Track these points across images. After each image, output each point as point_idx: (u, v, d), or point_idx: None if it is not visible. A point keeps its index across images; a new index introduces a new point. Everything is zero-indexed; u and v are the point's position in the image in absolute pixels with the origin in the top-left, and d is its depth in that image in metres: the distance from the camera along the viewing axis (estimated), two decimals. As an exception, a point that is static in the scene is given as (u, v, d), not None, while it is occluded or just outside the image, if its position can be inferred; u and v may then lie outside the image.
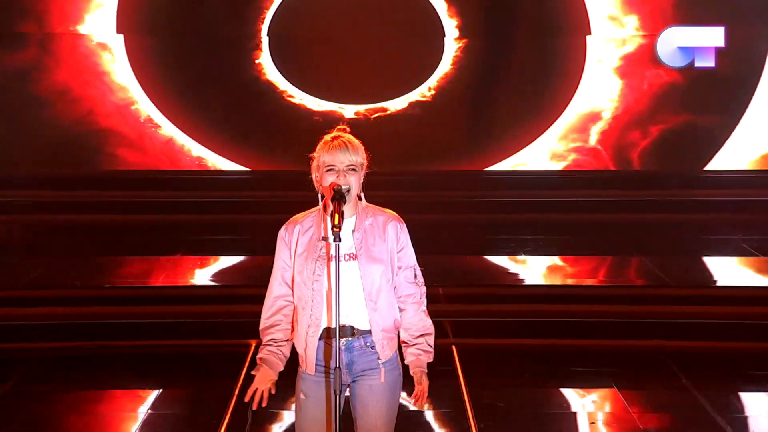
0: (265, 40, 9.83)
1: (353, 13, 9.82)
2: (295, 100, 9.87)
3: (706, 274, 8.43)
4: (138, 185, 9.83)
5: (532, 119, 9.91)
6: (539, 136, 9.92)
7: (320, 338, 3.54)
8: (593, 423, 5.67)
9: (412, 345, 3.64)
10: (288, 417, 5.49)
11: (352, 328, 3.52)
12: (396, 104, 9.91)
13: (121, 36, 9.76)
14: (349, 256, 3.52)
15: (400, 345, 3.69)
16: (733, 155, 9.91)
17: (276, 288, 3.63)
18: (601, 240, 9.19)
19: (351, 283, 3.49)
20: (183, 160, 9.92)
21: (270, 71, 9.86)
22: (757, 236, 9.16)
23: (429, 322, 3.69)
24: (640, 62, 9.84)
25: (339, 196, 3.45)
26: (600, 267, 8.46)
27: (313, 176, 3.61)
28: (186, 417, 5.76)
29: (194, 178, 9.89)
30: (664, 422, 5.80)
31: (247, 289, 7.08)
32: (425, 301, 3.71)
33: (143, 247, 8.90)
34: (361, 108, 9.92)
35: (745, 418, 5.83)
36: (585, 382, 6.34)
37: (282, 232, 3.63)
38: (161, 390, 6.13)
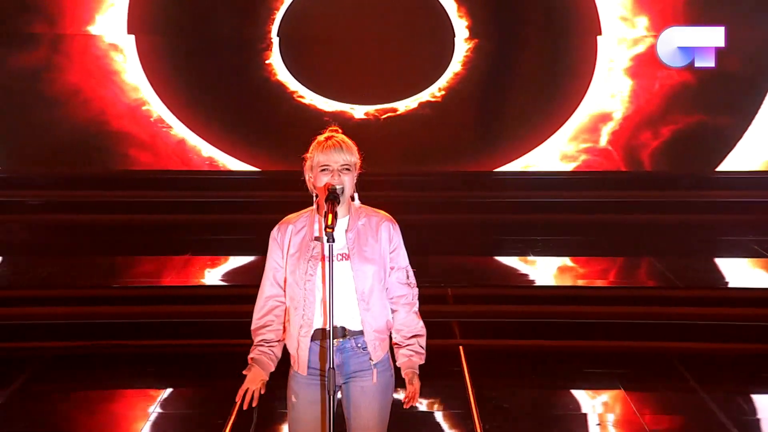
0: (275, 41, 9.84)
1: (363, 14, 9.82)
2: (306, 101, 9.88)
3: (716, 276, 8.39)
4: (148, 185, 9.87)
5: (543, 120, 9.89)
6: (550, 136, 9.90)
7: (312, 339, 3.54)
8: (600, 424, 5.65)
9: (404, 346, 3.64)
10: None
11: (344, 329, 3.51)
12: (406, 105, 9.90)
13: (132, 36, 9.79)
14: (342, 256, 3.51)
15: (392, 346, 3.68)
16: (745, 156, 9.85)
17: (268, 288, 3.63)
18: (611, 241, 9.16)
19: (343, 284, 3.49)
20: (193, 160, 9.95)
21: (280, 72, 9.88)
22: (769, 237, 9.13)
23: (421, 323, 3.69)
24: (651, 63, 9.80)
25: (333, 197, 3.44)
26: (609, 268, 8.43)
27: (306, 176, 3.60)
28: (191, 416, 5.77)
29: (204, 178, 9.91)
30: (672, 424, 5.78)
31: (256, 290, 7.07)
32: (417, 302, 3.70)
33: (152, 246, 8.93)
34: (371, 108, 9.92)
35: (755, 420, 5.81)
36: (592, 383, 6.33)
37: (274, 233, 3.63)
38: (167, 389, 6.15)
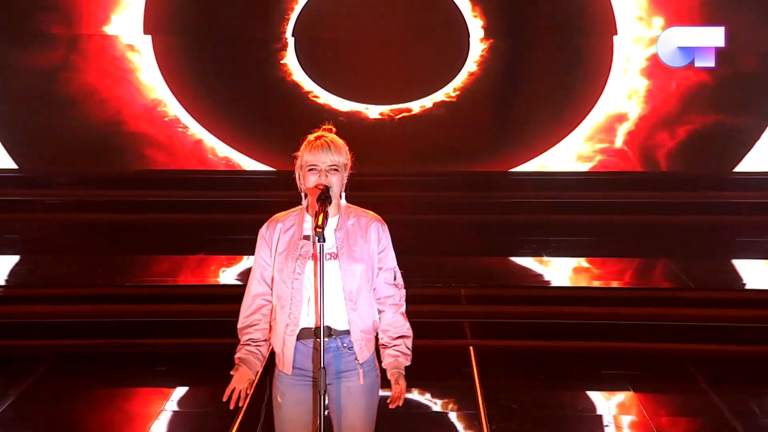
0: (290, 41, 9.87)
1: (378, 14, 9.83)
2: (320, 101, 9.90)
3: (731, 277, 8.32)
4: (164, 185, 9.93)
5: (558, 120, 9.86)
6: (565, 137, 9.86)
7: (298, 338, 3.53)
8: (607, 426, 5.63)
9: (390, 347, 3.63)
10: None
11: (330, 328, 3.51)
12: (421, 105, 9.90)
13: (149, 37, 9.84)
14: (330, 256, 3.51)
15: (378, 347, 3.67)
16: (763, 156, 9.77)
17: (255, 286, 3.63)
18: (626, 242, 9.11)
19: (331, 283, 3.48)
20: (209, 160, 10.00)
21: (296, 72, 9.90)
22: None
23: (407, 324, 3.69)
24: (667, 61, 9.75)
25: (324, 197, 3.44)
26: (622, 269, 8.39)
27: (297, 175, 3.60)
28: (200, 415, 5.80)
29: (220, 178, 9.95)
30: (682, 426, 5.74)
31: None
32: (404, 303, 3.69)
33: (168, 246, 8.98)
34: (386, 108, 9.92)
35: (766, 423, 5.75)
36: (602, 384, 6.30)
37: (263, 231, 3.63)
38: (178, 388, 6.18)
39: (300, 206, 3.64)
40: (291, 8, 9.85)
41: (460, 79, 9.87)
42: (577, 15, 9.77)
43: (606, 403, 6.06)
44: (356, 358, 3.56)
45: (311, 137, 3.59)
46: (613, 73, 9.80)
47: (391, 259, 3.65)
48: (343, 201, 3.62)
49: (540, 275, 8.24)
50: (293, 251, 3.53)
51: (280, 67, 9.91)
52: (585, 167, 9.91)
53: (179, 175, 9.96)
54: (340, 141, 3.61)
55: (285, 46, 9.88)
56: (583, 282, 7.94)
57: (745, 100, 9.74)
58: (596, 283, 7.90)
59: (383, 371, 3.66)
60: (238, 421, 5.56)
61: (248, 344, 3.59)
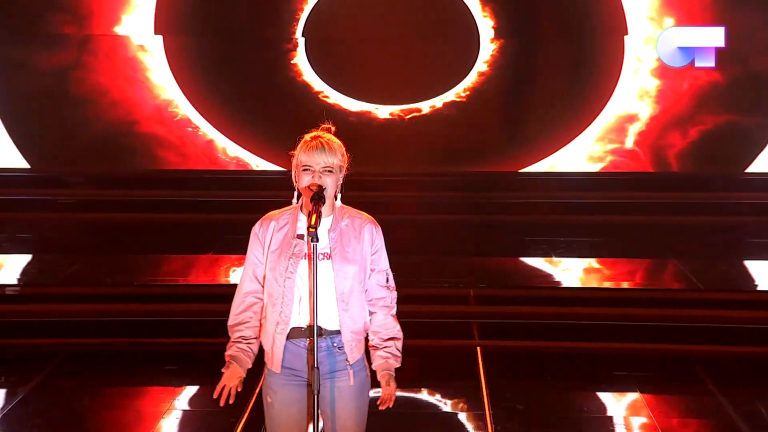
0: (301, 41, 9.89)
1: (388, 14, 9.83)
2: (331, 101, 9.92)
3: (743, 279, 8.27)
4: (175, 184, 9.96)
5: (569, 120, 9.83)
6: (576, 137, 9.83)
7: (288, 338, 3.53)
8: (614, 427, 5.62)
9: (381, 348, 3.63)
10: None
11: (320, 328, 3.50)
12: (431, 105, 9.89)
13: (160, 37, 9.88)
14: (323, 256, 3.51)
15: (368, 348, 3.68)
16: (776, 157, 9.74)
17: (247, 284, 3.63)
18: (636, 243, 9.08)
19: (323, 283, 3.48)
20: (219, 160, 10.03)
21: (306, 72, 9.92)
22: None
23: (398, 327, 3.68)
24: (679, 62, 9.71)
25: (318, 197, 3.45)
26: (631, 270, 8.36)
27: (292, 174, 3.60)
28: (206, 414, 5.82)
29: (230, 178, 9.98)
30: (687, 428, 5.73)
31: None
32: (395, 306, 3.69)
33: (178, 245, 9.01)
34: (396, 108, 9.92)
35: (773, 425, 5.74)
36: (609, 385, 6.28)
37: (256, 228, 3.63)
38: (186, 387, 6.21)
39: (294, 205, 3.65)
40: (301, 8, 9.87)
41: (471, 80, 9.86)
42: (588, 15, 9.74)
43: (612, 404, 6.05)
44: (347, 359, 3.56)
45: (307, 137, 3.60)
46: (624, 73, 9.76)
47: (383, 261, 3.65)
48: (338, 202, 3.62)
49: (548, 276, 8.22)
50: (286, 250, 3.54)
51: (290, 68, 9.93)
52: (596, 168, 9.88)
53: (190, 175, 9.99)
54: (337, 142, 3.60)
55: (295, 47, 9.90)
56: (590, 283, 7.91)
57: (757, 100, 9.69)
58: (605, 284, 7.88)
59: (373, 371, 3.66)
60: (244, 419, 5.58)
61: (239, 342, 3.60)
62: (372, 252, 3.61)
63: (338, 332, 3.56)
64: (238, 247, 8.87)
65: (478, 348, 6.88)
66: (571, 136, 9.83)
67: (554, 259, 8.48)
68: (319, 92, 9.93)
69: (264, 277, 3.59)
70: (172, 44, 9.89)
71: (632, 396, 6.09)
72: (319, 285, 3.45)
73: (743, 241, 9.19)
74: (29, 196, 9.92)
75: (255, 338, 3.62)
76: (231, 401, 3.53)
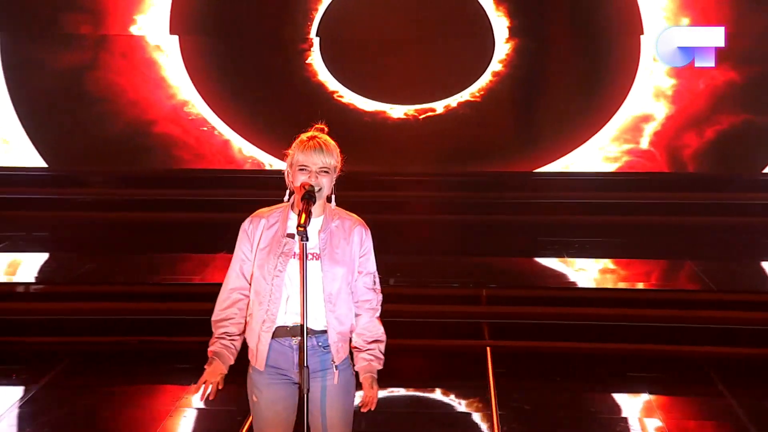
0: (315, 41, 9.91)
1: (403, 14, 9.82)
2: (345, 100, 9.93)
3: (758, 280, 8.21)
4: (190, 184, 10.01)
5: (584, 120, 9.79)
6: (591, 137, 9.79)
7: (273, 336, 3.54)
8: (621, 428, 5.59)
9: (364, 351, 3.64)
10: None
11: (307, 327, 3.49)
12: (445, 104, 9.88)
13: (176, 37, 9.93)
14: (313, 256, 3.52)
15: (351, 349, 3.68)
16: (794, 157, 9.66)
17: (233, 280, 3.64)
18: (651, 243, 9.03)
19: (311, 283, 3.48)
20: (235, 159, 10.06)
21: (320, 72, 9.94)
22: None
23: (382, 329, 3.69)
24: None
25: (308, 196, 3.46)
26: (645, 271, 8.31)
27: (286, 172, 3.61)
28: (215, 412, 5.85)
29: (244, 177, 10.01)
30: (695, 429, 5.69)
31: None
32: (380, 308, 3.70)
33: (192, 244, 9.05)
34: (410, 108, 9.92)
35: (783, 427, 5.69)
36: (618, 386, 6.26)
37: (246, 225, 3.64)
38: (193, 385, 6.23)
39: (284, 203, 3.66)
40: (315, 8, 9.88)
41: (485, 79, 9.84)
42: (603, 14, 9.70)
43: (622, 405, 6.03)
44: (332, 360, 3.57)
45: (304, 137, 3.61)
46: (640, 73, 9.71)
47: (371, 263, 3.66)
48: (333, 204, 3.63)
49: (560, 276, 8.19)
50: (276, 248, 3.54)
51: (305, 68, 9.95)
52: (611, 168, 9.83)
53: (204, 174, 10.03)
54: (332, 143, 3.63)
55: (310, 47, 9.92)
56: (602, 283, 7.88)
57: (774, 99, 9.62)
58: (615, 285, 7.85)
59: (356, 372, 3.67)
60: (251, 418, 5.58)
61: (223, 338, 3.61)
62: (360, 254, 3.62)
63: (324, 332, 3.57)
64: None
65: (488, 348, 6.87)
66: (587, 136, 9.79)
67: (567, 259, 8.44)
68: (333, 92, 9.95)
69: (251, 275, 3.60)
70: (187, 44, 9.94)
71: (642, 397, 6.06)
72: (308, 285, 3.44)
73: (760, 242, 9.12)
74: (46, 194, 9.99)
75: (239, 335, 3.63)
76: (211, 397, 3.55)
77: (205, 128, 10.03)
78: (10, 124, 10.02)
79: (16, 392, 6.17)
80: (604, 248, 8.83)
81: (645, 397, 6.04)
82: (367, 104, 9.94)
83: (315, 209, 3.54)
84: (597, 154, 9.82)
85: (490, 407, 5.84)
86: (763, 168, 9.72)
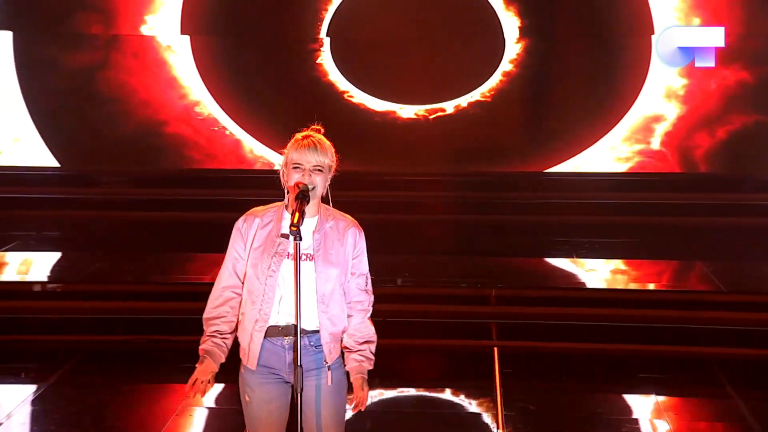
0: (326, 41, 9.92)
1: (413, 14, 9.83)
2: (355, 100, 9.94)
3: (766, 281, 8.16)
4: (200, 183, 10.04)
5: (595, 120, 9.76)
6: (602, 137, 9.76)
7: (265, 336, 3.55)
8: (624, 429, 5.57)
9: (355, 351, 3.63)
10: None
11: (297, 326, 3.48)
12: (455, 104, 9.88)
13: (187, 37, 9.97)
14: (306, 257, 3.53)
15: (342, 349, 3.67)
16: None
17: (226, 278, 3.64)
18: (661, 244, 9.01)
19: (304, 284, 3.48)
20: (246, 159, 10.09)
21: (331, 72, 9.95)
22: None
23: (373, 329, 3.69)
24: (706, 62, 9.60)
25: (302, 196, 3.47)
26: (654, 272, 8.28)
27: (281, 172, 3.62)
28: (220, 411, 5.87)
29: (256, 177, 10.03)
30: (701, 431, 5.68)
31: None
32: (372, 309, 3.70)
33: (202, 243, 9.08)
34: (421, 108, 9.92)
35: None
36: (624, 387, 6.26)
37: (240, 223, 3.65)
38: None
39: (279, 203, 3.67)
40: (325, 8, 9.90)
41: (496, 79, 9.83)
42: (614, 14, 9.67)
43: (627, 406, 6.02)
44: (325, 360, 3.57)
45: (298, 136, 3.63)
46: (651, 73, 9.67)
47: (364, 265, 3.66)
48: (330, 203, 3.64)
49: (569, 277, 8.18)
50: (270, 248, 3.55)
51: (315, 67, 9.97)
52: (622, 168, 9.80)
53: (215, 174, 10.06)
54: (327, 142, 3.64)
55: (320, 47, 9.94)
56: (610, 284, 7.86)
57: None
58: (623, 286, 7.83)
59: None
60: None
61: (214, 336, 3.61)
62: (354, 256, 3.62)
63: (316, 332, 3.57)
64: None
65: (495, 348, 6.86)
66: (597, 137, 9.76)
67: (576, 259, 8.43)
68: (344, 92, 9.96)
69: (244, 273, 3.61)
70: (198, 45, 9.97)
71: (647, 398, 6.05)
72: (301, 285, 3.44)
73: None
74: (58, 194, 10.05)
75: (230, 333, 3.64)
76: (202, 395, 3.57)
77: (216, 128, 10.06)
78: (23, 123, 10.07)
79: (25, 390, 6.20)
80: (614, 249, 8.81)
81: (652, 398, 6.02)
82: (377, 104, 9.94)
83: (309, 209, 3.54)
84: (608, 154, 9.79)
85: (495, 407, 5.84)
86: (776, 168, 9.67)
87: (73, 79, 10.02)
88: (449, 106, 9.89)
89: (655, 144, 9.76)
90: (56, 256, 8.95)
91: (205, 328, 3.66)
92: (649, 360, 6.68)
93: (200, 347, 3.63)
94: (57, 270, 8.53)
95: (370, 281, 3.69)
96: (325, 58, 9.96)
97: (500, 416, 5.68)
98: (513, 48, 9.81)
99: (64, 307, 7.33)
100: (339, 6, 9.86)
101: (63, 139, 10.15)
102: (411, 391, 6.19)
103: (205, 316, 3.67)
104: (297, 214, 3.37)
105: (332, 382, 3.57)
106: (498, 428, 5.55)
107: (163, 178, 10.16)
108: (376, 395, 5.97)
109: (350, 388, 3.65)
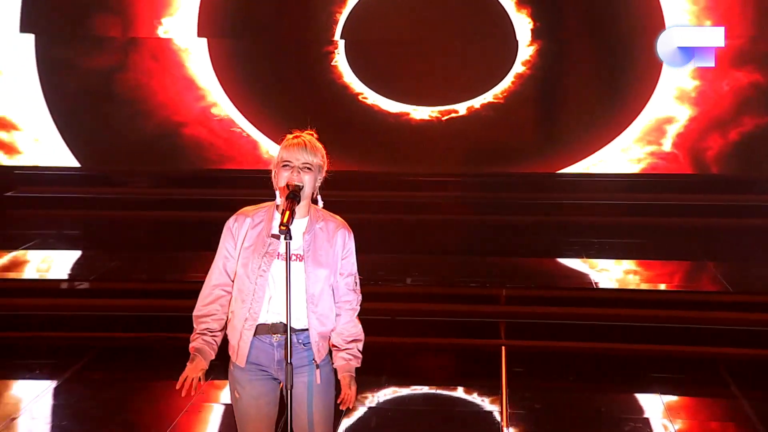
0: (341, 43, 10.01)
1: (427, 16, 9.89)
2: (369, 102, 10.02)
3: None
4: (218, 184, 10.17)
5: (607, 122, 9.79)
6: (614, 138, 9.79)
7: (254, 334, 3.61)
8: (628, 428, 5.62)
9: (343, 350, 3.69)
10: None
11: (286, 325, 3.52)
12: (468, 106, 9.94)
13: (204, 40, 10.09)
14: (296, 257, 3.58)
15: (330, 347, 3.73)
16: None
17: (216, 276, 3.71)
18: (672, 245, 9.02)
19: (293, 284, 3.52)
20: (262, 160, 10.20)
21: (346, 73, 10.04)
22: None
23: (360, 328, 3.75)
24: (719, 63, 9.58)
25: (293, 196, 3.53)
26: (663, 272, 8.31)
27: (273, 173, 3.69)
28: (230, 407, 5.95)
29: (270, 178, 10.13)
30: (706, 430, 5.71)
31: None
32: (360, 308, 3.77)
33: (217, 243, 9.18)
34: (434, 109, 9.99)
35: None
36: (629, 386, 6.30)
37: (231, 222, 3.71)
38: (211, 381, 6.35)
39: (269, 203, 3.75)
40: (339, 10, 9.99)
41: (508, 81, 9.88)
42: (626, 15, 9.70)
43: (632, 405, 6.06)
44: (314, 358, 3.64)
45: (290, 136, 3.71)
46: (664, 74, 9.69)
47: (353, 265, 3.73)
48: (320, 203, 3.71)
49: (579, 277, 8.21)
50: (260, 248, 3.61)
51: (331, 69, 10.06)
52: (634, 169, 9.83)
53: (232, 175, 10.16)
54: (318, 144, 3.73)
55: (335, 49, 10.03)
56: (619, 284, 7.89)
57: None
58: (636, 286, 7.85)
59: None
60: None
61: (204, 334, 3.68)
62: (343, 256, 3.68)
63: (304, 330, 3.63)
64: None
65: (503, 347, 6.92)
66: (609, 138, 9.79)
67: (587, 260, 8.47)
68: (358, 93, 10.04)
69: (234, 272, 3.67)
70: (215, 47, 10.09)
71: (654, 398, 6.08)
72: (290, 285, 3.49)
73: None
74: (79, 193, 10.20)
75: (220, 331, 3.71)
76: (192, 393, 3.62)
77: (233, 129, 10.17)
78: (44, 123, 10.23)
79: (40, 385, 6.33)
80: (624, 249, 8.84)
81: (659, 398, 6.05)
82: (391, 106, 10.02)
83: (299, 210, 3.60)
84: (620, 155, 9.82)
85: (500, 405, 5.90)
86: (788, 170, 9.66)
87: (93, 81, 10.16)
88: (462, 108, 9.95)
89: (667, 145, 9.78)
90: (74, 254, 9.08)
91: (195, 325, 3.72)
92: (657, 360, 6.72)
93: (190, 345, 3.69)
94: (74, 268, 8.66)
95: (358, 281, 3.75)
96: (340, 60, 10.05)
97: (504, 414, 5.74)
98: (525, 50, 9.86)
99: (80, 305, 7.47)
100: (353, 8, 9.95)
101: (83, 139, 10.28)
102: (420, 389, 6.26)
103: (195, 313, 3.74)
104: (287, 213, 3.44)
105: (321, 379, 3.63)
106: (501, 426, 5.61)
107: (180, 178, 10.29)
108: (390, 393, 6.06)
109: (338, 386, 3.73)
